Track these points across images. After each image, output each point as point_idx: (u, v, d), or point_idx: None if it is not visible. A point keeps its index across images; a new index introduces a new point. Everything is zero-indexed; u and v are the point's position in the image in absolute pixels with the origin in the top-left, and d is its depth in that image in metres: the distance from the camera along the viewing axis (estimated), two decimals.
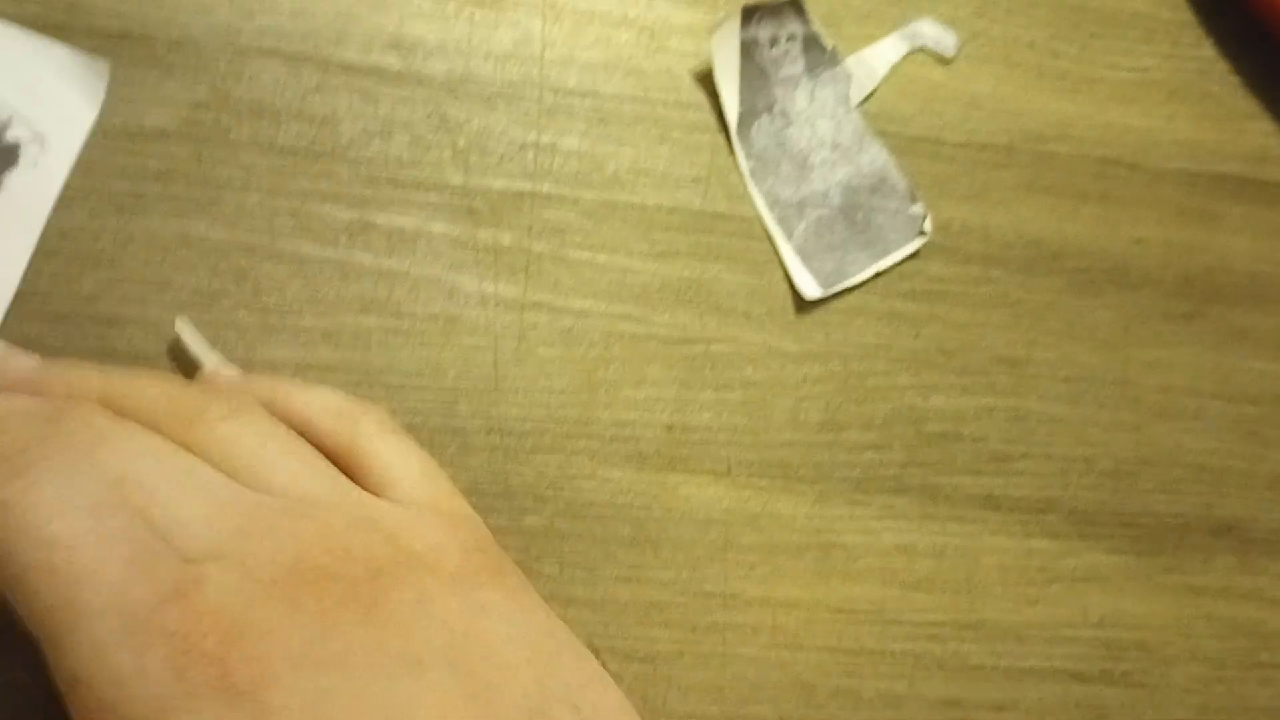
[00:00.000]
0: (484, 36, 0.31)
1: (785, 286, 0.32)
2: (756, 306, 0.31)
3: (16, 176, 0.26)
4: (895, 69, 0.34)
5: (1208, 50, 0.37)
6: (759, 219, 0.32)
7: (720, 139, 0.32)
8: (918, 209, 0.33)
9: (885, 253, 0.32)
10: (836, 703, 0.29)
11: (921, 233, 0.32)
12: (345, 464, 0.25)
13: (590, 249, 0.30)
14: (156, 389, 0.23)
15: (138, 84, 0.28)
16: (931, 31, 0.34)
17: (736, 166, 0.32)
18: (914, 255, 0.32)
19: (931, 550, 0.31)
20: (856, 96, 0.33)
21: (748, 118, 0.32)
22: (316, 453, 0.24)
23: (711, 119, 0.32)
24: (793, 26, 0.33)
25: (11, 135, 0.26)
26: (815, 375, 0.31)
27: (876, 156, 0.33)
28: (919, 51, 0.34)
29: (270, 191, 0.28)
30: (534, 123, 0.31)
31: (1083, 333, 0.33)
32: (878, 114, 0.33)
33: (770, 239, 0.32)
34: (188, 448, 0.22)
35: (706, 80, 0.32)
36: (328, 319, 0.28)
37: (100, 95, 0.27)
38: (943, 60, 0.34)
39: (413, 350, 0.29)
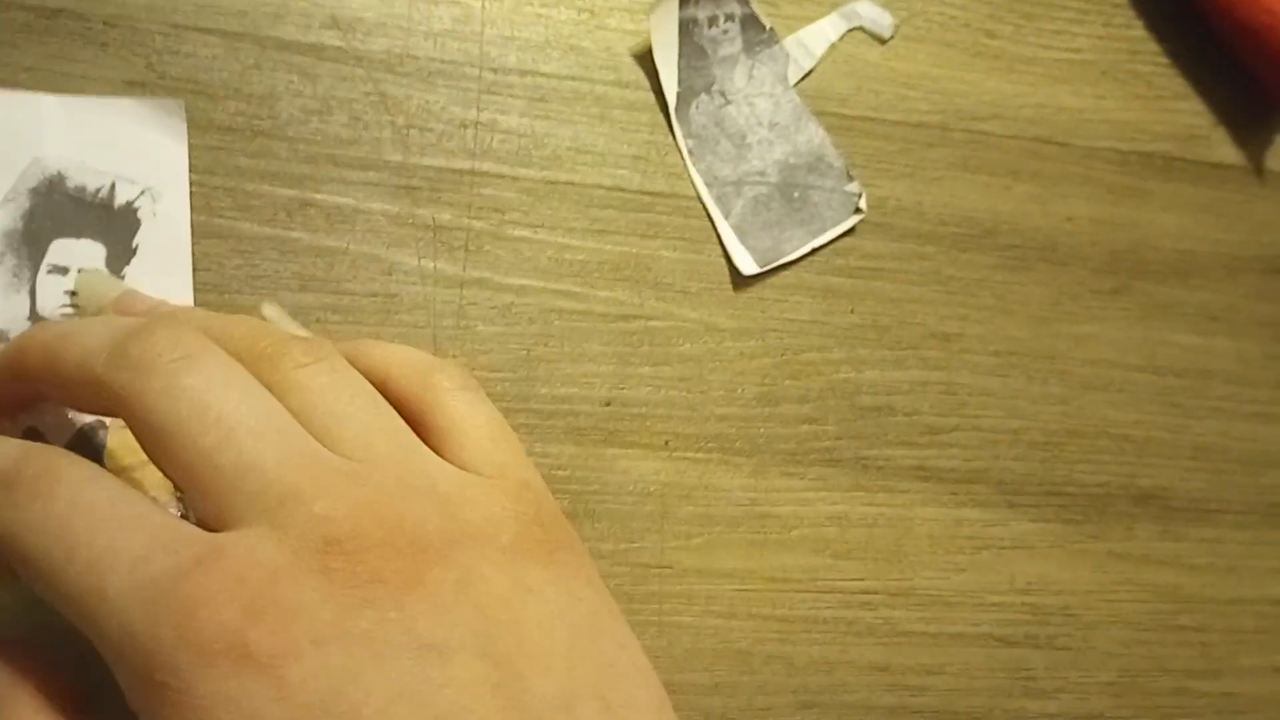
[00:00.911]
0: (424, 14, 0.31)
1: (723, 263, 0.32)
2: (694, 283, 0.32)
3: (145, 234, 0.27)
4: (833, 48, 0.34)
5: (1138, 31, 0.38)
6: (697, 197, 0.32)
7: (659, 117, 0.32)
8: (853, 187, 0.33)
9: (821, 230, 0.33)
10: (771, 669, 0.30)
11: (857, 210, 0.33)
12: (416, 419, 0.24)
13: (529, 227, 0.31)
14: (244, 327, 0.23)
15: (72, 61, 0.28)
16: (869, 11, 0.35)
17: (675, 145, 0.32)
18: (849, 232, 0.33)
19: (864, 520, 0.32)
20: (794, 76, 0.34)
21: (687, 96, 0.33)
22: (388, 407, 0.23)
23: (651, 98, 0.32)
24: (731, 6, 0.33)
25: (121, 199, 0.27)
26: (751, 350, 0.32)
27: (813, 135, 0.33)
28: (856, 31, 0.35)
29: (207, 170, 0.28)
30: (474, 101, 0.31)
31: (1013, 308, 0.34)
32: (815, 93, 0.34)
33: (708, 217, 0.32)
34: (267, 387, 0.22)
35: (646, 59, 0.32)
36: (266, 297, 0.28)
37: (183, 130, 0.28)
38: (879, 40, 0.35)
39: (352, 328, 0.29)
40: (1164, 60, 0.38)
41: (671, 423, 0.31)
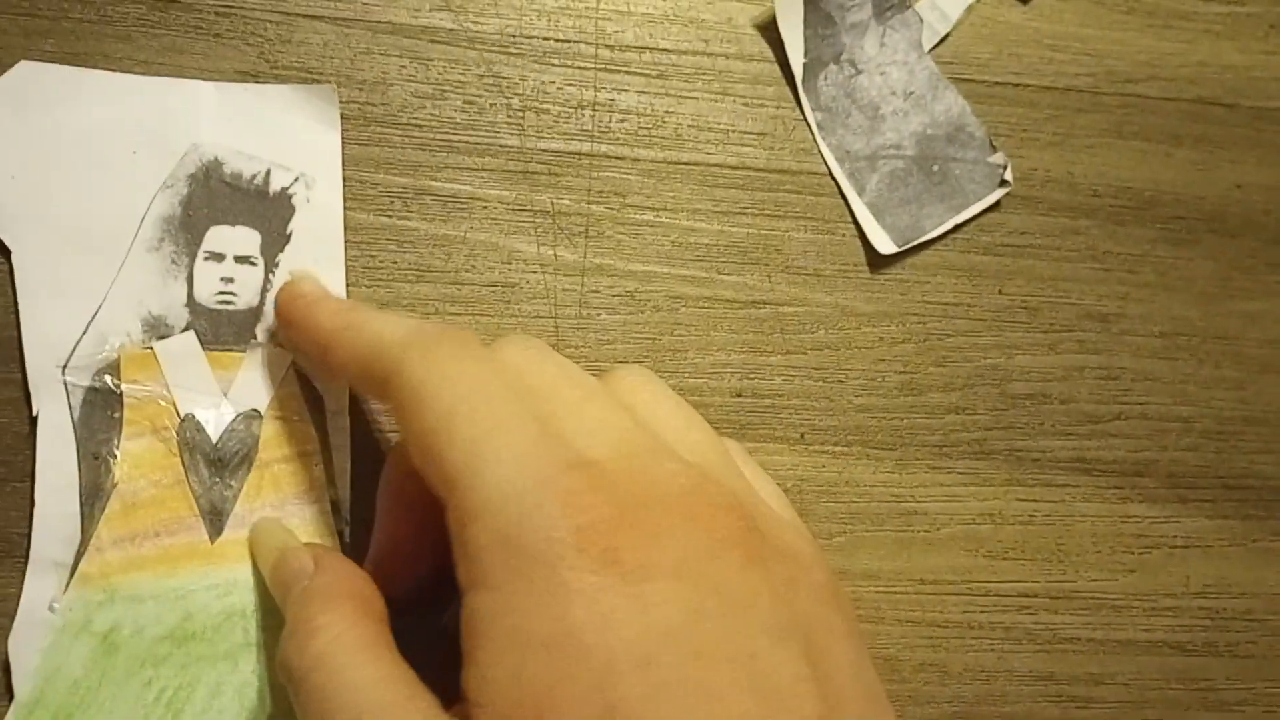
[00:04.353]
0: None
1: (858, 244, 0.30)
2: (828, 265, 0.30)
3: (300, 220, 0.27)
4: (970, 10, 0.32)
5: None
6: (828, 174, 0.30)
7: (785, 91, 0.30)
8: (998, 158, 0.31)
9: (964, 205, 0.31)
10: (922, 677, 0.28)
11: (1002, 183, 0.31)
12: None
13: (652, 210, 0.29)
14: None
15: (185, 53, 0.27)
16: None
17: (803, 119, 0.30)
18: (994, 207, 0.31)
19: (1019, 517, 0.29)
20: (929, 41, 0.31)
21: (814, 67, 0.31)
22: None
23: (775, 70, 0.31)
24: None
25: (276, 185, 0.27)
26: (892, 336, 0.30)
27: (952, 104, 0.31)
28: None
29: None
30: (590, 80, 0.29)
31: (1178, 285, 0.31)
32: (952, 59, 0.32)
33: (841, 194, 0.30)
34: None
35: (769, 29, 0.30)
36: (384, 288, 0.27)
37: (336, 116, 0.28)
38: None
39: (472, 318, 0.28)
40: None
41: (807, 414, 0.29)
